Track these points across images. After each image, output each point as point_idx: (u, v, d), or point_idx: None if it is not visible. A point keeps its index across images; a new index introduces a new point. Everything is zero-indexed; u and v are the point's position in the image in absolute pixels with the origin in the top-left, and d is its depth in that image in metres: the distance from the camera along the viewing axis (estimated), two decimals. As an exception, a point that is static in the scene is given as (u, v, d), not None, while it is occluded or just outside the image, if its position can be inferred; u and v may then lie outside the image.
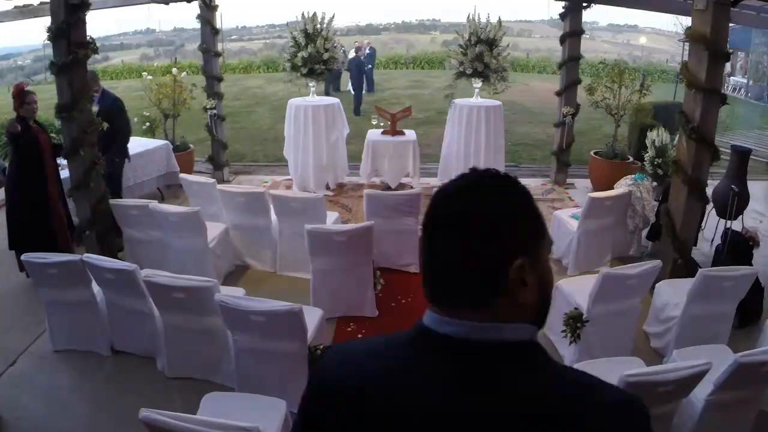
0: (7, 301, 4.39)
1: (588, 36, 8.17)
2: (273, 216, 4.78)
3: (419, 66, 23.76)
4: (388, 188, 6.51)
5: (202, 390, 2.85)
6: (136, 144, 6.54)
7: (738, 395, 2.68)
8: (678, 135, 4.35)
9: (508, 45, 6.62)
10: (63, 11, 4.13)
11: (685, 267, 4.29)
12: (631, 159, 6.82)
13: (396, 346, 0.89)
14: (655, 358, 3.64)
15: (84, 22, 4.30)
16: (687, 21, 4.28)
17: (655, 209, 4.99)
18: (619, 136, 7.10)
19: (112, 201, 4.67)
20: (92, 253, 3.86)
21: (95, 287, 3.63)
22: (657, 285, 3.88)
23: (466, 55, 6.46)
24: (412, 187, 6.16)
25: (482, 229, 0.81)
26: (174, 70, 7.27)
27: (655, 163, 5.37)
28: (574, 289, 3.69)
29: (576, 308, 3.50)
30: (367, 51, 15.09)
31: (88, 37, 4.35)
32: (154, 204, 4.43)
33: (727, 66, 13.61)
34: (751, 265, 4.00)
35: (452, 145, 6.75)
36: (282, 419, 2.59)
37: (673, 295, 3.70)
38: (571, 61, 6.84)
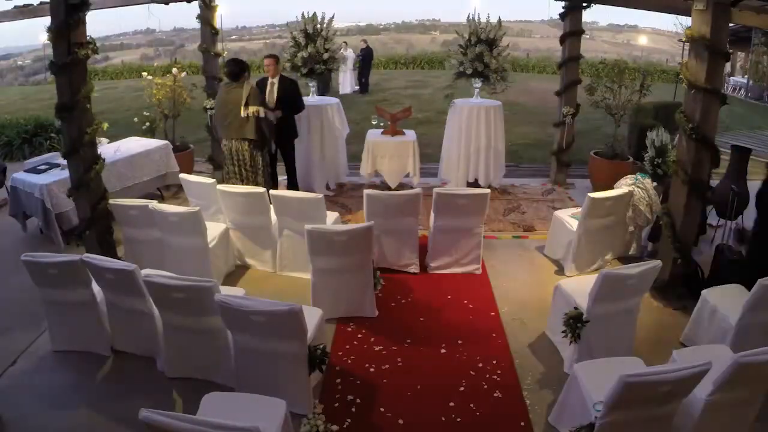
0: (7, 301, 4.39)
1: (588, 36, 8.16)
2: (273, 216, 4.78)
3: (419, 66, 23.77)
4: (388, 188, 6.50)
5: (202, 390, 2.85)
6: (136, 144, 6.55)
7: (738, 395, 2.68)
8: (678, 135, 4.35)
9: (508, 45, 6.62)
10: (63, 11, 4.12)
11: (685, 267, 4.29)
12: (631, 159, 6.82)
13: None
14: (655, 359, 3.64)
15: (84, 22, 4.30)
16: (687, 21, 4.26)
17: (657, 209, 4.99)
18: (619, 136, 7.11)
19: (111, 201, 4.68)
20: (92, 253, 3.86)
21: (95, 287, 3.63)
22: (703, 293, 3.78)
23: (466, 55, 6.46)
24: (412, 187, 6.16)
25: None
26: (174, 70, 7.26)
27: (655, 163, 5.37)
28: (574, 289, 3.69)
29: (576, 308, 3.50)
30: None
31: (88, 37, 4.35)
32: (153, 204, 4.43)
33: (727, 66, 13.63)
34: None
35: (452, 145, 6.75)
36: (282, 419, 2.59)
37: (726, 302, 3.60)
38: (571, 61, 6.84)
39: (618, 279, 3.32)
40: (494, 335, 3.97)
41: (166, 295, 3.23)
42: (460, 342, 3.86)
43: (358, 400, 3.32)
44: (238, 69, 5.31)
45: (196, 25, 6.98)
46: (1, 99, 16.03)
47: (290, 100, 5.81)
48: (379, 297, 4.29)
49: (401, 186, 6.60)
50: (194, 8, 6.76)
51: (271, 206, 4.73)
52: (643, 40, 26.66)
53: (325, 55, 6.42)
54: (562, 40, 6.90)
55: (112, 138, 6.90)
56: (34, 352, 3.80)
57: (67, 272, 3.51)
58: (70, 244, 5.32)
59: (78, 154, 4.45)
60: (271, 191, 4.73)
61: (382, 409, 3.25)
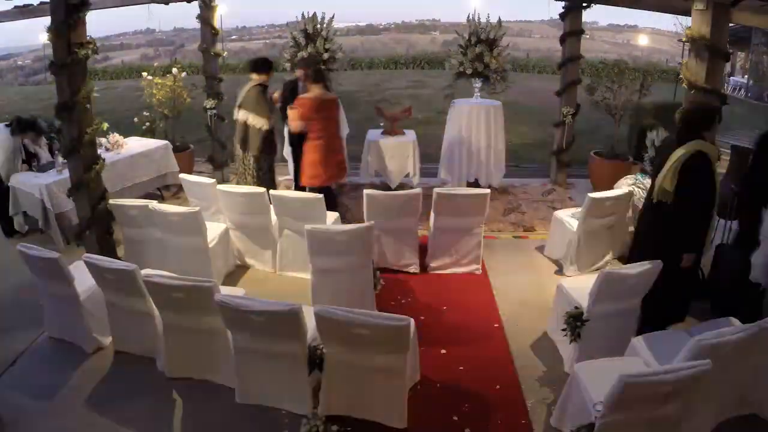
0: (7, 301, 4.39)
1: (588, 36, 8.16)
2: (273, 216, 4.78)
3: (419, 66, 23.78)
4: (388, 188, 6.50)
5: (202, 390, 2.85)
6: (136, 144, 6.55)
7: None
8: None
9: (507, 45, 6.62)
10: (63, 11, 4.13)
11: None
12: (631, 159, 6.82)
13: None
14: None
15: (84, 22, 4.30)
16: (687, 21, 4.27)
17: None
18: (619, 136, 7.10)
19: (111, 201, 4.68)
20: (92, 253, 3.86)
21: (78, 285, 3.61)
22: None
23: (466, 55, 6.46)
24: (412, 187, 6.16)
25: None
26: (174, 70, 7.26)
27: (656, 163, 5.37)
28: (575, 289, 3.69)
29: (576, 307, 3.50)
30: None
31: (88, 37, 4.36)
32: (153, 204, 4.43)
33: (727, 66, 13.62)
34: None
35: (452, 145, 6.74)
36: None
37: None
38: (571, 61, 6.84)
39: (618, 279, 3.32)
40: (494, 335, 3.97)
41: (166, 295, 3.23)
42: (460, 342, 3.86)
43: (358, 400, 3.31)
44: (252, 64, 5.50)
45: (196, 25, 6.99)
46: (1, 99, 16.04)
47: None
48: (379, 297, 4.28)
49: (401, 186, 6.60)
50: (194, 8, 6.77)
51: (271, 206, 4.73)
52: (643, 40, 26.65)
53: (325, 55, 6.42)
54: (562, 40, 6.90)
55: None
56: (34, 352, 3.80)
57: (49, 269, 3.54)
58: (71, 244, 5.33)
59: (78, 154, 4.46)
60: (271, 191, 4.73)
61: (382, 409, 3.24)
